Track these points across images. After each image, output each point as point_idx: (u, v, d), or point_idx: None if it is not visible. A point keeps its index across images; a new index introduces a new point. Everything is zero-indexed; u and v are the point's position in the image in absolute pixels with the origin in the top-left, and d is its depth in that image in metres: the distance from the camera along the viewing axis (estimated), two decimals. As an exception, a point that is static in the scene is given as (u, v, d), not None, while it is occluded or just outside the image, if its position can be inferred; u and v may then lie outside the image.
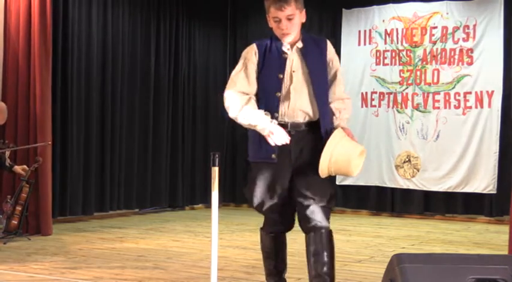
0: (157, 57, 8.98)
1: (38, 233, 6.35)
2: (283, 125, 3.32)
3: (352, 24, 8.96)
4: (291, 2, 3.22)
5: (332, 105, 3.49)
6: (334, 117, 3.45)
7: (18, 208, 6.04)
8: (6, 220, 6.02)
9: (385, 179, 8.62)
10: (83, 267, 4.82)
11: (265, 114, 3.27)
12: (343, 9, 8.99)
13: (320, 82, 3.42)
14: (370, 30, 8.82)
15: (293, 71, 3.34)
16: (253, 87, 3.40)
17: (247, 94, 3.36)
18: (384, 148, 8.65)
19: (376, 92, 8.74)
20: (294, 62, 3.36)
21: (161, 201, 8.95)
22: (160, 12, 8.97)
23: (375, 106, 8.74)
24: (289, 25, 3.26)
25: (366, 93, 8.82)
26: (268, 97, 3.39)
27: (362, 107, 8.84)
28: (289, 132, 3.30)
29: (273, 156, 3.32)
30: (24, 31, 6.57)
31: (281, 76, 3.33)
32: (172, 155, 9.17)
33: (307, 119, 3.42)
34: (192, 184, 9.35)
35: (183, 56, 9.37)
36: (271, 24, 3.35)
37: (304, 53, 3.39)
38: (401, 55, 8.63)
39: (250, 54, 3.44)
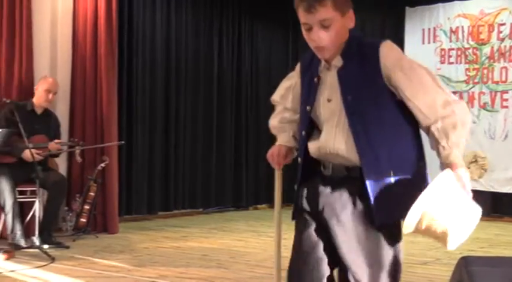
0: (220, 58, 8.97)
1: (105, 231, 6.41)
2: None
3: (416, 23, 8.77)
4: (325, 1, 2.08)
5: (431, 128, 2.19)
6: (438, 146, 2.19)
7: (86, 207, 6.14)
8: (75, 218, 6.08)
9: (450, 180, 8.30)
10: (147, 266, 4.84)
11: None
12: (407, 8, 8.78)
13: (367, 111, 2.19)
14: (434, 29, 8.60)
15: (328, 100, 2.23)
16: (292, 105, 2.51)
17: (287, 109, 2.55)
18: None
19: (442, 91, 8.49)
20: (328, 88, 2.24)
21: (225, 201, 8.91)
22: (223, 13, 8.96)
23: (440, 105, 8.48)
24: (325, 35, 2.12)
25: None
26: (299, 136, 2.44)
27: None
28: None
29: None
30: (91, 35, 6.62)
31: (308, 108, 2.29)
32: (236, 156, 9.20)
33: (344, 164, 2.30)
34: (255, 184, 9.31)
35: (245, 56, 9.35)
36: (303, 33, 2.21)
37: (342, 75, 2.20)
38: (467, 53, 8.38)
39: (295, 74, 2.50)
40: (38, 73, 6.25)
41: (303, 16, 2.14)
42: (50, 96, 5.84)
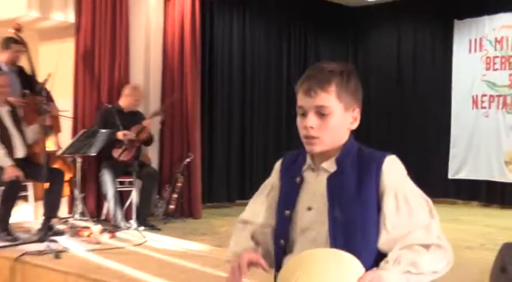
0: (288, 67, 9.10)
1: (191, 216, 6.63)
2: None
3: (464, 34, 8.74)
4: (329, 87, 1.69)
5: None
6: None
7: (175, 195, 6.37)
8: (165, 205, 6.35)
9: (494, 174, 8.36)
10: (226, 246, 4.88)
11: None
12: (455, 20, 8.77)
13: (353, 233, 1.70)
14: (480, 39, 8.56)
15: (308, 209, 1.76)
16: (264, 220, 1.94)
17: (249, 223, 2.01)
18: (494, 146, 8.38)
19: (486, 95, 8.50)
20: (310, 194, 1.77)
21: None
22: (290, 27, 9.08)
23: (485, 108, 8.51)
24: (319, 124, 1.70)
25: (477, 96, 8.57)
26: (275, 244, 1.89)
27: (473, 109, 8.62)
28: None
29: None
30: (178, 46, 6.84)
31: (287, 213, 1.79)
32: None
33: None
34: None
35: (310, 65, 9.29)
36: (297, 119, 1.79)
37: (333, 183, 1.73)
38: (511, 60, 8.31)
39: (273, 174, 2.04)
40: (133, 79, 6.52)
41: (300, 99, 1.74)
42: (137, 102, 6.19)
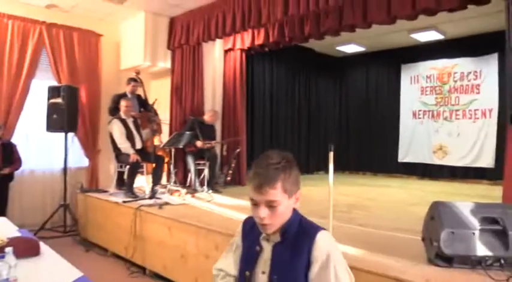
0: (299, 96, 9.05)
1: (240, 184, 6.56)
2: None
3: (407, 73, 8.63)
4: (276, 184, 1.38)
5: None
6: None
7: (230, 171, 6.36)
8: (225, 177, 6.33)
9: (426, 158, 8.33)
10: None
11: None
12: (402, 64, 8.70)
13: None
14: (417, 75, 8.48)
15: (262, 272, 1.47)
16: (233, 272, 1.61)
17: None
18: (425, 141, 8.34)
19: (421, 110, 8.42)
20: (264, 261, 1.48)
21: (301, 168, 8.88)
22: (300, 72, 9.01)
23: (420, 118, 8.42)
24: (270, 214, 1.40)
25: (415, 111, 8.52)
26: None
27: (413, 119, 8.55)
28: None
29: None
30: (232, 83, 6.81)
31: (248, 274, 1.50)
32: (307, 146, 9.17)
33: None
34: (317, 159, 9.21)
35: (311, 97, 9.34)
36: (251, 206, 1.45)
37: (276, 252, 1.46)
38: (436, 89, 8.24)
39: (237, 234, 1.65)
40: (205, 102, 6.51)
41: (252, 193, 1.39)
42: (214, 119, 6.17)
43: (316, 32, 5.37)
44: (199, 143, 5.73)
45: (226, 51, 6.94)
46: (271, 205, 1.38)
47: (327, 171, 8.83)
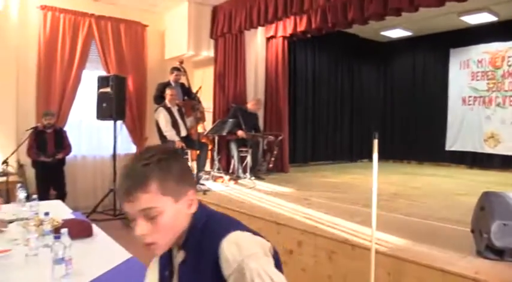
0: (342, 84, 8.86)
1: (282, 171, 6.58)
2: None
3: (456, 57, 8.22)
4: (148, 185, 0.95)
5: None
6: None
7: (273, 158, 6.36)
8: (267, 164, 6.33)
9: (476, 147, 7.93)
10: (304, 189, 4.94)
11: None
12: (451, 49, 8.28)
13: None
14: (467, 60, 8.05)
15: None
16: None
17: None
18: (476, 129, 7.92)
19: (471, 97, 7.99)
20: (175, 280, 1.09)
21: (344, 156, 8.77)
22: (343, 58, 8.80)
23: (470, 104, 8.01)
24: (150, 229, 0.97)
25: (465, 97, 8.09)
26: None
27: (462, 105, 8.13)
28: None
29: None
30: (274, 69, 6.76)
31: None
32: (349, 130, 9.01)
33: None
34: (360, 146, 9.00)
35: (355, 84, 9.11)
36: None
37: (182, 272, 1.05)
38: (487, 74, 7.78)
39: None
40: (248, 90, 6.53)
41: (123, 204, 0.98)
42: (257, 107, 6.21)
43: (360, 17, 5.21)
44: (240, 132, 5.75)
45: (268, 39, 6.91)
46: (149, 216, 0.95)
47: (370, 159, 8.60)
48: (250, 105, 6.10)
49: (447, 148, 8.33)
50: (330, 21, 5.51)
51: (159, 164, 0.97)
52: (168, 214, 0.97)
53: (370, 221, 2.36)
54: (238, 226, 1.02)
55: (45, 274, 1.86)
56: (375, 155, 2.45)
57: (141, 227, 0.97)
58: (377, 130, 2.51)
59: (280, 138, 6.41)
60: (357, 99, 9.14)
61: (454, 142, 8.26)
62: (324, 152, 8.43)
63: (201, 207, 1.06)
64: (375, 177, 2.40)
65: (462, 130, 8.15)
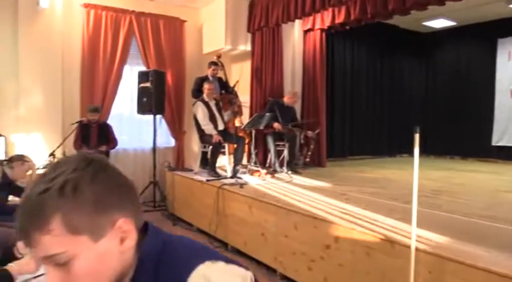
0: (381, 78, 8.66)
1: (320, 166, 6.52)
2: None
3: (505, 47, 7.82)
4: (48, 223, 0.63)
5: None
6: None
7: (309, 152, 6.29)
8: (304, 158, 6.28)
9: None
10: (342, 184, 4.88)
11: None
12: (498, 39, 7.88)
13: None
14: None
15: None
16: None
17: None
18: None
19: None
20: None
21: (382, 151, 8.59)
22: (383, 51, 8.59)
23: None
24: (64, 279, 0.65)
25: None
26: None
27: (510, 98, 7.74)
28: None
29: None
30: (312, 62, 6.68)
31: None
32: (388, 125, 8.79)
33: None
34: (400, 140, 8.72)
35: (395, 76, 8.89)
36: None
37: None
38: None
39: None
40: (285, 84, 6.49)
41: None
42: (294, 100, 6.15)
43: (400, 7, 5.05)
44: (276, 125, 5.73)
45: (305, 32, 6.84)
46: (58, 263, 0.67)
47: (410, 154, 8.37)
48: (286, 99, 6.07)
49: (494, 143, 7.97)
50: (369, 12, 5.37)
51: (62, 189, 0.66)
52: (85, 259, 0.67)
53: (410, 217, 2.30)
54: (207, 254, 0.75)
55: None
56: (416, 150, 2.37)
57: (52, 278, 0.67)
58: (418, 124, 2.44)
59: (317, 131, 6.35)
60: (397, 92, 8.90)
61: (501, 137, 7.88)
62: (363, 146, 8.28)
63: (153, 233, 0.77)
64: (415, 173, 2.34)
65: (510, 124, 7.76)
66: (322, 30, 6.65)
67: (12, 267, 1.59)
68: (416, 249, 2.33)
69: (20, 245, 1.82)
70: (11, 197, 3.17)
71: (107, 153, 5.63)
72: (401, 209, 3.45)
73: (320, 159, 6.56)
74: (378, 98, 8.60)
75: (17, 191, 3.16)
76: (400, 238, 2.62)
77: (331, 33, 7.03)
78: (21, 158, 3.11)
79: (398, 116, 8.88)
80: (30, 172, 3.21)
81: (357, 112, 8.21)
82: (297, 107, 6.54)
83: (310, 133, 6.19)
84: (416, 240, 2.37)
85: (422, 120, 8.83)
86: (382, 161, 7.93)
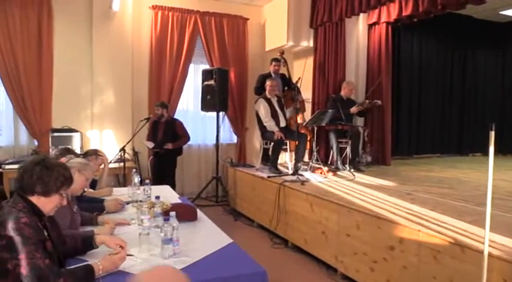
0: (451, 73, 8.20)
1: (383, 164, 6.31)
2: None
3: None
4: None
5: None
6: None
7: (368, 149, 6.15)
8: (367, 156, 6.11)
9: None
10: (407, 183, 4.69)
11: None
12: None
13: None
14: None
15: None
16: None
17: None
18: None
19: None
20: None
21: (451, 149, 8.16)
22: (454, 44, 8.13)
23: None
24: None
25: None
26: None
27: None
28: None
29: None
30: (377, 58, 6.47)
31: None
32: (459, 121, 8.32)
33: None
34: (473, 139, 8.25)
35: (467, 70, 8.35)
36: None
37: None
38: None
39: None
40: (348, 78, 6.27)
41: None
42: (351, 92, 5.97)
43: (475, -4, 4.75)
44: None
45: (370, 26, 6.64)
46: None
47: (483, 153, 7.93)
48: (343, 93, 5.96)
49: None
50: (439, 2, 5.08)
51: None
52: None
53: (483, 220, 2.17)
54: None
55: (155, 252, 2.04)
56: (491, 148, 2.21)
57: None
58: (493, 121, 2.28)
59: (379, 102, 5.96)
60: (469, 86, 8.38)
61: None
62: (430, 144, 7.91)
63: None
64: (490, 173, 2.20)
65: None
66: (388, 23, 6.43)
67: (96, 264, 1.73)
68: (490, 255, 2.20)
69: (100, 238, 1.96)
70: (85, 189, 3.41)
71: (180, 149, 5.78)
72: (473, 212, 3.26)
73: (384, 157, 6.35)
74: (447, 93, 8.14)
75: (91, 183, 3.40)
76: (471, 242, 2.48)
77: (398, 27, 6.77)
78: (95, 153, 3.33)
79: (471, 112, 8.36)
80: (102, 166, 3.42)
81: (425, 108, 7.83)
82: (360, 97, 6.40)
83: (378, 102, 5.90)
84: (490, 246, 2.23)
85: (499, 117, 8.23)
86: (451, 160, 7.52)
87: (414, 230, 2.81)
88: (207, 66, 6.45)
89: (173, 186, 4.96)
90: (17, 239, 1.51)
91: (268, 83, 5.50)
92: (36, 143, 5.61)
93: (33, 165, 1.69)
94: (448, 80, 8.14)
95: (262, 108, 5.41)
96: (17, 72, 5.41)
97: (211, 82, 5.98)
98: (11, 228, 1.52)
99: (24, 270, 1.49)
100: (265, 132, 5.48)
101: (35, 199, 1.68)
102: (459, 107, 8.29)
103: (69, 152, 2.92)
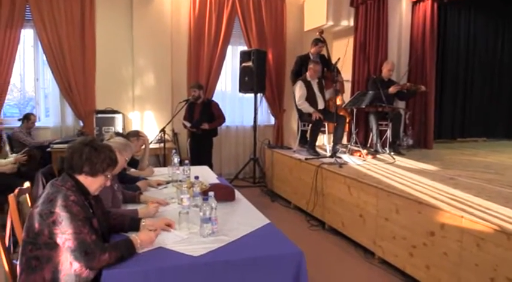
0: (502, 51, 7.77)
1: (425, 147, 6.11)
2: None
3: None
4: None
5: None
6: None
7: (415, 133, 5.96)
8: (408, 139, 5.92)
9: None
10: (449, 168, 4.54)
11: None
12: None
13: None
14: None
15: None
16: None
17: None
18: None
19: None
20: None
21: (498, 133, 7.78)
22: (505, 21, 7.66)
23: None
24: None
25: None
26: None
27: None
28: None
29: None
30: (421, 37, 6.18)
31: None
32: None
33: None
34: None
35: None
36: None
37: None
38: None
39: None
40: (390, 58, 5.97)
41: None
42: (391, 73, 5.78)
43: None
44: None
45: (414, 3, 6.36)
46: None
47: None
48: (383, 73, 5.78)
49: None
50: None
51: None
52: None
53: (532, 207, 2.08)
54: None
55: (194, 230, 2.10)
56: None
57: None
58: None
59: (423, 88, 5.74)
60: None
61: None
62: (475, 127, 7.58)
63: None
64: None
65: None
66: (433, 0, 6.14)
67: (135, 238, 1.82)
68: (538, 243, 2.11)
69: (148, 224, 2.06)
70: (131, 169, 3.53)
71: (215, 130, 5.86)
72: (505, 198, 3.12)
73: (426, 140, 6.14)
74: (496, 74, 7.73)
75: (133, 162, 3.52)
76: (518, 229, 2.38)
77: (444, 4, 6.43)
78: (136, 134, 3.43)
79: (522, 94, 7.93)
80: (143, 146, 3.52)
81: (470, 90, 7.49)
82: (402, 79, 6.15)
83: (423, 87, 5.70)
84: (538, 233, 2.14)
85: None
86: (498, 144, 7.18)
87: (457, 216, 2.73)
88: (245, 48, 6.43)
89: (210, 167, 5.03)
90: (66, 216, 1.62)
91: (311, 66, 5.43)
92: (81, 123, 5.85)
93: (82, 145, 1.78)
94: (497, 60, 7.73)
95: (298, 90, 5.37)
96: (62, 57, 5.65)
97: (249, 64, 5.97)
98: (60, 206, 1.63)
99: (72, 244, 1.61)
100: (302, 114, 5.46)
101: (82, 178, 1.78)
102: (509, 88, 7.86)
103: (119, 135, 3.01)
